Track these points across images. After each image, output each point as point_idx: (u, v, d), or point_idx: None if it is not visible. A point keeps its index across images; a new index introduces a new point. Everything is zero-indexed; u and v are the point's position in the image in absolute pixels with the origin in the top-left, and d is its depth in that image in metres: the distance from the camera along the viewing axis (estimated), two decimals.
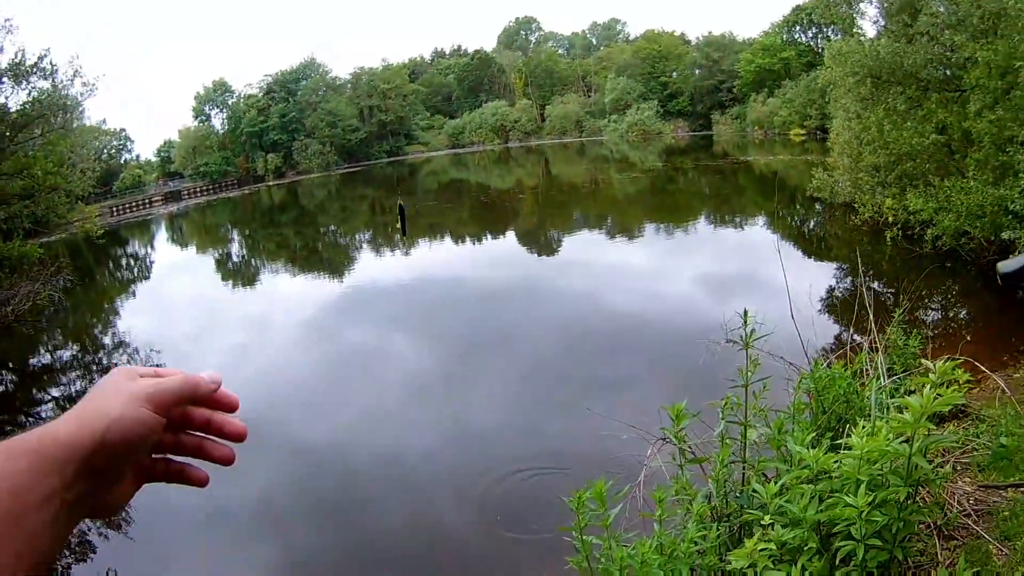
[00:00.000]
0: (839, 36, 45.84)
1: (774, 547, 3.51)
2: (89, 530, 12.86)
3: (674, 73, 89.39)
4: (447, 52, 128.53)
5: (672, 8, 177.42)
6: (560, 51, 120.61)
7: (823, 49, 59.65)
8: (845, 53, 23.09)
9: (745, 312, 4.72)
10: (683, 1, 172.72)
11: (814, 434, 4.38)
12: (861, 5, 27.07)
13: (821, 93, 49.65)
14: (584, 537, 4.05)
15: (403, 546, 10.68)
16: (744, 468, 4.75)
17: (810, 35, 74.69)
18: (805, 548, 3.54)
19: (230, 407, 1.20)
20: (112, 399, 0.98)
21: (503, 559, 9.98)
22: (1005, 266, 1.36)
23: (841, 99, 25.27)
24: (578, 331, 19.79)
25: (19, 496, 0.83)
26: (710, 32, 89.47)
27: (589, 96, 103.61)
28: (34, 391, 24.51)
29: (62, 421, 0.93)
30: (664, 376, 15.17)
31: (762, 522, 3.75)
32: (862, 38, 25.74)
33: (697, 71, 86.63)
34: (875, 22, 27.08)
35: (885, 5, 25.22)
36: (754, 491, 4.11)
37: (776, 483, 3.93)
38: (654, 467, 5.64)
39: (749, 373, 4.71)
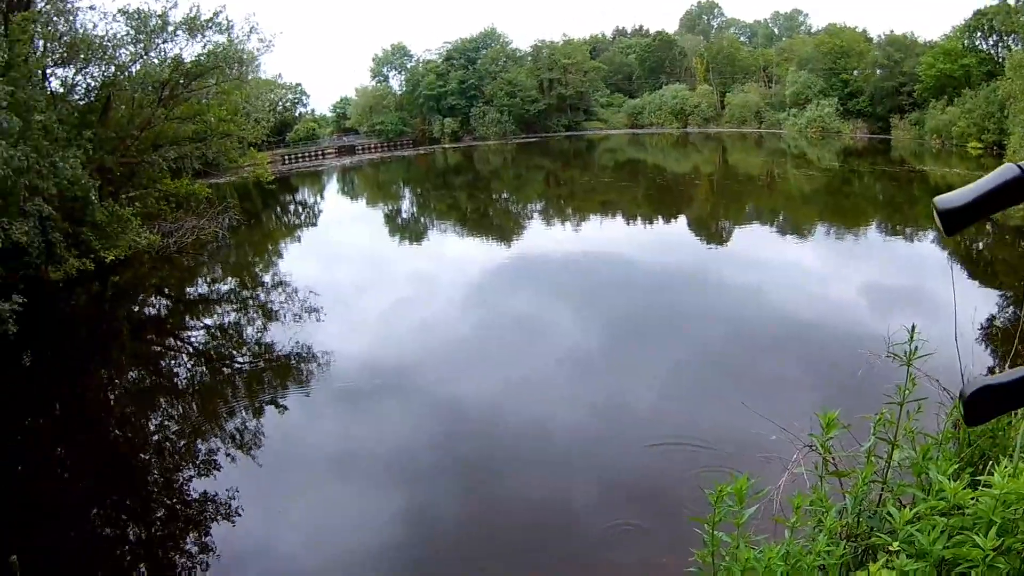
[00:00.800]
0: (1020, 46, 42.37)
1: (895, 575, 3.36)
2: (218, 450, 13.69)
3: (855, 71, 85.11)
4: (628, 31, 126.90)
5: (854, 2, 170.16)
6: (742, 38, 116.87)
7: (1004, 59, 55.55)
8: None
9: (912, 328, 4.52)
10: None
11: (956, 466, 4.10)
12: None
13: (1000, 106, 45.98)
14: (716, 532, 4.02)
15: (531, 513, 10.64)
16: (883, 489, 4.52)
17: (991, 42, 69.41)
18: None
19: None
20: None
21: (630, 541, 9.74)
22: (944, 201, 1.19)
23: (1021, 114, 22.69)
24: (738, 324, 19.24)
25: None
26: (891, 31, 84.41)
27: (769, 87, 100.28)
28: (187, 318, 25.97)
29: None
30: (819, 381, 14.65)
31: (890, 548, 3.62)
32: None
33: (878, 71, 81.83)
34: None
35: None
36: (888, 514, 3.92)
37: (911, 510, 3.73)
38: (797, 474, 5.37)
39: (907, 392, 4.50)
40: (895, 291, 21.74)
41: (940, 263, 25.95)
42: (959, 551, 3.28)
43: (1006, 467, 3.58)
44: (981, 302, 19.12)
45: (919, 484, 4.16)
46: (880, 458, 4.46)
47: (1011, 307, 19.74)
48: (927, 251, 29.09)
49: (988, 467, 4.32)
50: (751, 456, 7.79)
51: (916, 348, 4.48)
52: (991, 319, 18.44)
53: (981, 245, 30.64)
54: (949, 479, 3.65)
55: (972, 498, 3.50)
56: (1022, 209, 21.58)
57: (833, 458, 4.74)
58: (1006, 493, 3.31)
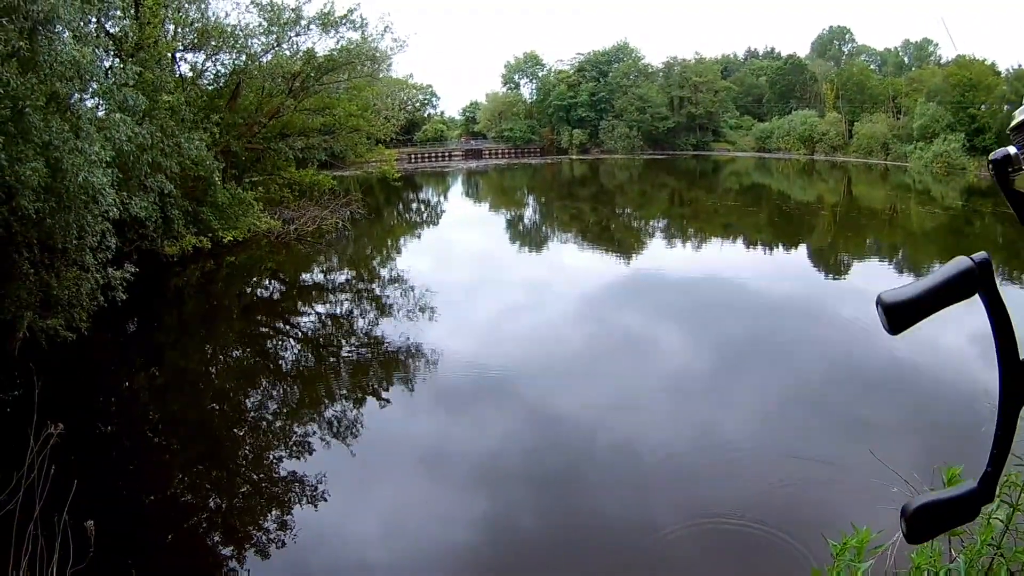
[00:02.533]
0: None
1: None
2: (312, 435, 13.83)
3: (983, 106, 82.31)
4: (760, 53, 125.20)
5: (984, 32, 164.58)
6: (872, 66, 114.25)
7: None
8: None
9: None
10: (996, 27, 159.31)
11: None
12: None
13: None
14: None
15: (608, 542, 10.21)
16: (995, 553, 4.18)
17: None
18: None
19: None
20: None
21: None
22: (890, 296, 1.18)
23: None
24: (855, 366, 18.24)
25: None
26: (1020, 65, 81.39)
27: (897, 118, 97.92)
28: (299, 303, 26.46)
29: None
30: (941, 435, 13.50)
31: None
32: None
33: (1006, 107, 78.55)
34: None
35: None
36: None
37: None
38: None
39: None
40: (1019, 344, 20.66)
41: None
42: None
43: None
44: None
45: None
46: (1000, 520, 4.16)
47: None
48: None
49: None
50: (867, 507, 6.85)
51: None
52: None
53: None
54: None
55: None
56: None
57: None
58: None
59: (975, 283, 1.10)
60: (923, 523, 1.14)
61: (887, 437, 13.00)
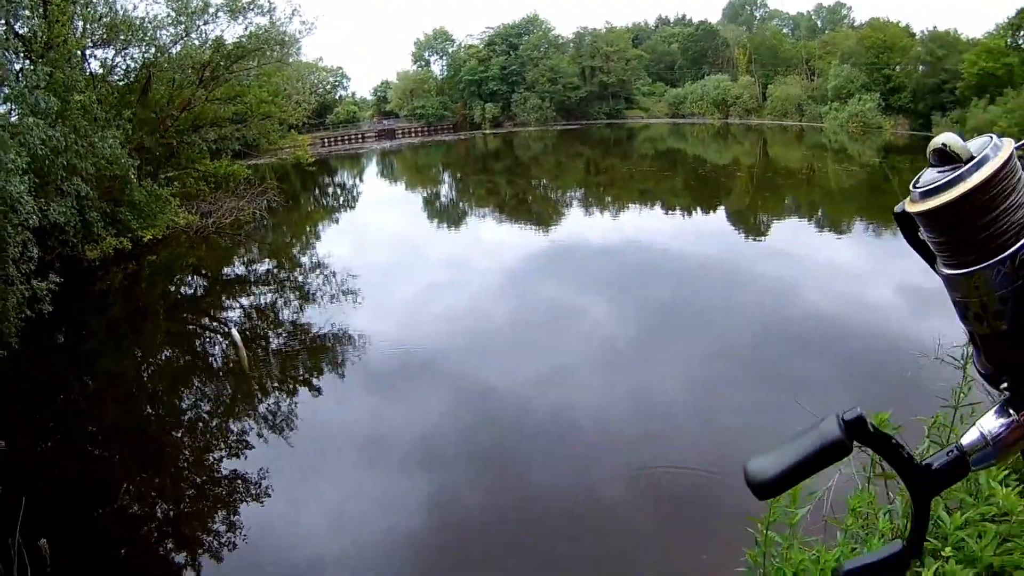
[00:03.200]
0: None
1: None
2: (250, 430, 13.80)
3: (898, 67, 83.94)
4: (671, 20, 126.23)
5: None
6: (785, 30, 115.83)
7: None
8: None
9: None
10: None
11: (1007, 472, 4.00)
12: None
13: None
14: (768, 532, 4.04)
15: (553, 512, 10.39)
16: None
17: None
18: None
19: None
20: None
21: (661, 539, 9.75)
22: (757, 469, 1.18)
23: None
24: (778, 322, 18.88)
25: None
26: (935, 27, 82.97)
27: (811, 80, 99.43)
28: (224, 298, 26.06)
29: None
30: (867, 382, 13.96)
31: (940, 552, 3.56)
32: None
33: (921, 67, 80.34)
34: None
35: None
36: (939, 519, 3.91)
37: (961, 515, 3.70)
38: (845, 475, 5.31)
39: (961, 395, 4.57)
40: (940, 291, 21.15)
41: None
42: (1009, 558, 3.32)
43: None
44: None
45: (969, 489, 4.13)
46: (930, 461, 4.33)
47: None
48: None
49: None
50: None
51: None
52: None
53: None
54: (1000, 485, 3.68)
55: (1022, 506, 3.53)
56: None
57: (882, 460, 4.60)
58: None
59: (848, 449, 1.10)
60: None
61: (815, 389, 13.37)
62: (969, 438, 1.19)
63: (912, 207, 1.16)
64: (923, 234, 1.23)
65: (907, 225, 1.25)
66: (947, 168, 1.11)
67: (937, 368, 5.12)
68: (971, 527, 3.61)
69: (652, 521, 10.06)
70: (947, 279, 1.21)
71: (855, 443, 1.12)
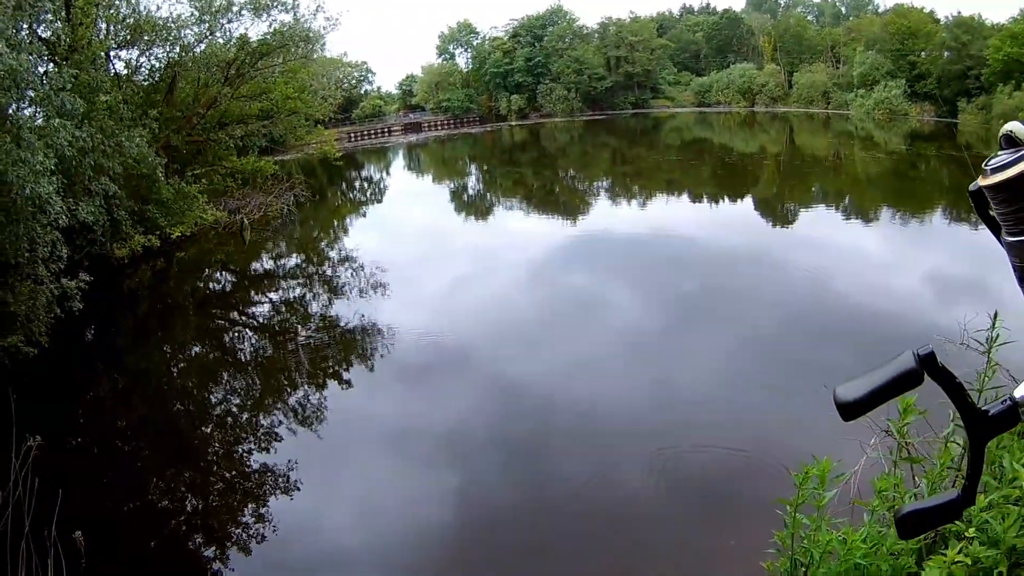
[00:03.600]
0: None
1: (969, 561, 3.36)
2: (279, 424, 13.92)
3: (923, 53, 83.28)
4: (695, 9, 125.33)
5: None
6: (809, 17, 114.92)
7: None
8: None
9: (995, 315, 4.57)
10: None
11: None
12: None
13: None
14: (797, 515, 4.12)
15: (582, 501, 10.41)
16: (957, 476, 4.44)
17: None
18: (995, 571, 3.35)
19: None
20: None
21: (689, 525, 9.86)
22: (843, 393, 1.31)
23: None
24: (807, 309, 18.96)
25: None
26: (959, 12, 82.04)
27: (837, 67, 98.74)
28: (252, 292, 26.51)
29: None
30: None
31: (964, 534, 3.56)
32: None
33: (946, 53, 79.33)
34: None
35: None
36: None
37: (985, 498, 3.71)
38: (873, 458, 5.37)
39: (985, 379, 4.55)
40: (964, 278, 20.93)
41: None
42: None
43: None
44: None
45: (992, 472, 4.16)
46: (957, 444, 4.46)
47: None
48: (994, 239, 28.35)
49: None
50: (827, 440, 7.42)
51: (998, 335, 4.52)
52: None
53: None
54: (1022, 467, 3.70)
55: None
56: None
57: (909, 443, 4.79)
58: None
59: (921, 378, 1.20)
60: (911, 525, 1.29)
61: (840, 375, 13.15)
62: (1022, 391, 1.31)
63: (983, 181, 1.31)
64: (992, 209, 1.35)
65: (979, 202, 1.39)
66: (1012, 150, 1.26)
67: (962, 354, 5.04)
68: (995, 509, 3.61)
69: (681, 508, 10.15)
70: (1010, 246, 1.34)
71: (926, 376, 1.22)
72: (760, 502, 4.78)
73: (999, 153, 1.29)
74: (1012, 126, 1.27)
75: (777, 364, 15.06)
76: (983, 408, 1.27)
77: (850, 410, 1.25)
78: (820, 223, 31.42)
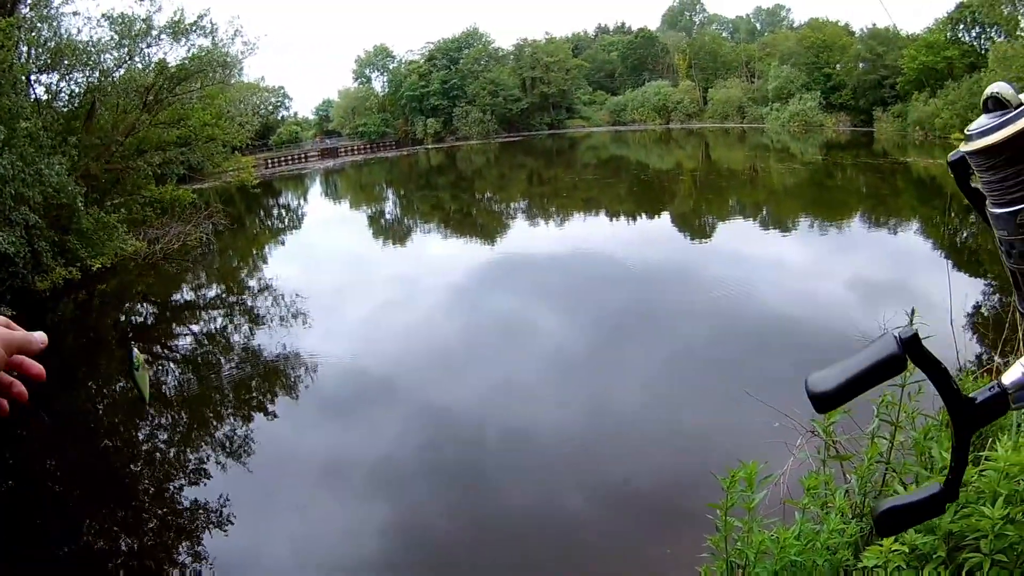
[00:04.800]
0: (1003, 38, 42.99)
1: (907, 549, 3.52)
2: (208, 458, 13.72)
3: (838, 65, 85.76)
4: (610, 28, 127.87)
5: None
6: (724, 34, 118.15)
7: (986, 50, 56.31)
8: (1009, 57, 20.96)
9: (912, 311, 4.73)
10: None
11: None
12: None
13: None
14: (728, 517, 4.16)
15: (520, 520, 10.60)
16: (887, 470, 4.70)
17: (974, 34, 70.18)
18: (934, 556, 3.53)
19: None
20: None
21: (627, 536, 9.81)
22: (817, 382, 1.21)
23: None
24: (730, 319, 19.18)
25: None
26: (874, 24, 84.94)
27: (752, 82, 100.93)
28: (173, 325, 25.72)
29: None
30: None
31: None
32: None
33: (861, 64, 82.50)
34: None
35: None
36: (894, 493, 4.07)
37: (915, 487, 3.20)
38: (800, 458, 5.56)
39: (907, 375, 4.48)
40: (883, 280, 21.90)
41: (925, 252, 26.58)
42: (967, 522, 3.42)
43: (1007, 442, 3.74)
44: (970, 290, 19.33)
45: (922, 463, 4.35)
46: (883, 439, 4.59)
47: (998, 295, 19.68)
48: (911, 241, 29.53)
49: (988, 444, 4.37)
50: (754, 445, 7.40)
51: (916, 331, 4.50)
52: (977, 307, 18.56)
53: (966, 234, 30.95)
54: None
55: (975, 473, 3.63)
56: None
57: (835, 442, 4.88)
58: (1009, 465, 3.46)
59: (904, 364, 1.12)
60: (890, 522, 1.24)
61: (767, 381, 12.86)
62: (1011, 376, 1.22)
63: (966, 147, 1.21)
64: (975, 179, 1.28)
65: (960, 172, 1.30)
66: (998, 113, 1.16)
67: None
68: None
69: (616, 521, 10.20)
70: (995, 218, 1.24)
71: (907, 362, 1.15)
72: (695, 509, 4.94)
73: (982, 116, 1.20)
74: (999, 87, 1.17)
75: (702, 374, 15.40)
76: (970, 396, 1.20)
77: (825, 402, 1.19)
78: (739, 235, 32.14)
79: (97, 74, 31.77)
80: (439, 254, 32.86)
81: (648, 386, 15.05)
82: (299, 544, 10.51)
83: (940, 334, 6.14)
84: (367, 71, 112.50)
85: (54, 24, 29.41)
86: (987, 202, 1.25)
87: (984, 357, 12.41)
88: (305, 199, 67.11)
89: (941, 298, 6.70)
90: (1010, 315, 6.93)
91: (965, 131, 1.21)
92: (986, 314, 17.73)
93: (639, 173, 61.26)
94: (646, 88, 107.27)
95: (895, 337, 1.13)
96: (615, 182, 56.00)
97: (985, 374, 6.88)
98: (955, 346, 6.64)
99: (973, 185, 1.30)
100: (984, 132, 1.17)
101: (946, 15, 70.20)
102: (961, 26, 70.55)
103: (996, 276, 21.04)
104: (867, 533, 4.32)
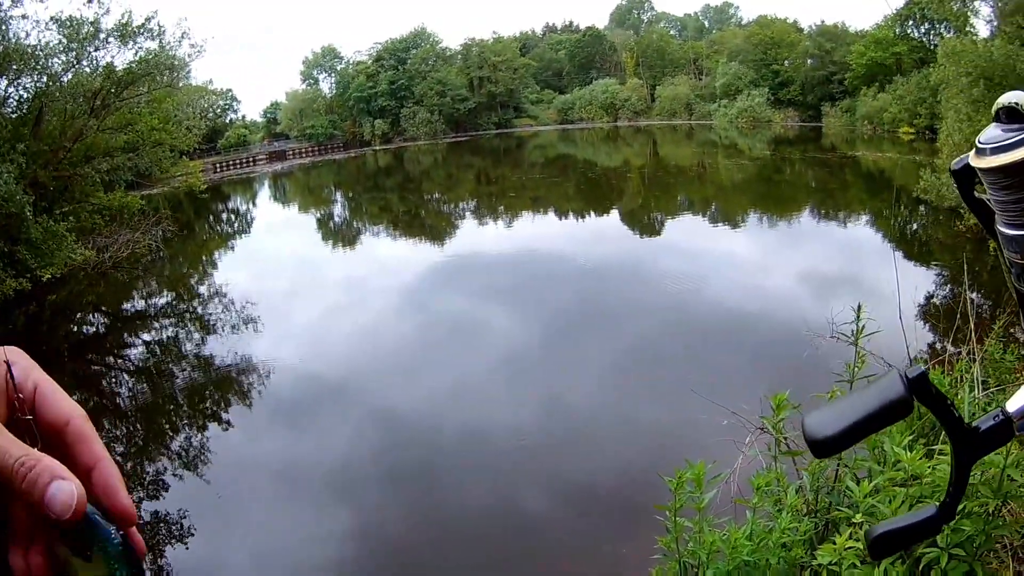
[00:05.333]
0: (952, 33, 43.91)
1: (861, 546, 3.43)
2: (164, 470, 13.67)
3: (786, 61, 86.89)
4: (558, 27, 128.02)
5: None
6: (672, 32, 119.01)
7: (935, 46, 57.52)
8: (959, 52, 21.65)
9: (859, 307, 4.76)
10: None
11: (910, 438, 4.15)
12: (975, 3, 25.32)
13: (932, 92, 47.72)
14: (678, 519, 4.14)
15: (478, 522, 10.74)
16: (839, 465, 4.65)
17: (922, 30, 72.00)
18: None
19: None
20: None
21: (582, 537, 9.99)
22: (815, 427, 1.09)
23: (953, 99, 23.70)
24: (679, 316, 19.53)
25: None
26: (823, 21, 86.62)
27: (700, 79, 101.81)
28: (125, 335, 25.33)
29: None
30: (764, 365, 14.75)
31: (852, 520, 3.76)
32: (975, 37, 23.95)
33: (809, 61, 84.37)
34: (989, 22, 25.41)
35: (999, 5, 23.38)
36: (847, 489, 4.11)
37: (869, 483, 3.87)
38: (750, 456, 5.51)
39: (856, 369, 4.70)
40: (833, 275, 22.35)
41: (875, 245, 27.03)
42: None
43: None
44: (920, 281, 19.65)
45: (875, 458, 4.26)
46: None
47: (949, 285, 20.22)
48: (861, 235, 30.17)
49: (940, 437, 4.36)
50: (704, 443, 7.71)
51: (864, 326, 4.69)
52: (928, 297, 18.85)
53: (916, 226, 31.49)
54: (904, 450, 3.75)
55: (929, 467, 3.65)
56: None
57: (786, 438, 4.81)
58: None
59: (911, 407, 1.03)
60: (884, 545, 1.17)
61: (718, 378, 13.54)
62: (1015, 403, 1.12)
63: (979, 162, 1.09)
64: (985, 192, 1.17)
65: (964, 182, 1.20)
66: (1016, 127, 1.05)
67: (832, 346, 5.48)
68: (881, 493, 3.76)
69: (572, 523, 10.32)
70: (1008, 239, 1.13)
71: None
72: (649, 508, 4.74)
73: (994, 126, 1.08)
74: (1016, 96, 1.05)
75: (654, 371, 15.56)
76: (973, 425, 1.12)
77: (825, 448, 1.08)
78: (688, 231, 32.85)
79: (45, 79, 31.35)
80: (389, 256, 33.01)
81: (601, 384, 15.26)
82: (259, 552, 10.59)
83: (889, 326, 6.23)
84: (315, 72, 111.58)
85: (2, 28, 28.97)
86: (997, 219, 1.15)
87: (938, 346, 12.68)
88: (254, 203, 66.53)
89: (890, 290, 6.80)
90: (960, 305, 6.95)
91: (977, 142, 1.09)
92: (938, 304, 17.90)
93: (587, 171, 61.87)
94: (594, 86, 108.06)
95: (901, 377, 1.03)
96: (563, 180, 56.58)
97: (937, 365, 6.88)
98: (904, 338, 6.66)
99: (978, 196, 1.20)
100: (1000, 148, 1.07)
101: (895, 11, 71.17)
102: (910, 22, 71.65)
103: (944, 267, 21.51)
104: (821, 530, 4.44)
